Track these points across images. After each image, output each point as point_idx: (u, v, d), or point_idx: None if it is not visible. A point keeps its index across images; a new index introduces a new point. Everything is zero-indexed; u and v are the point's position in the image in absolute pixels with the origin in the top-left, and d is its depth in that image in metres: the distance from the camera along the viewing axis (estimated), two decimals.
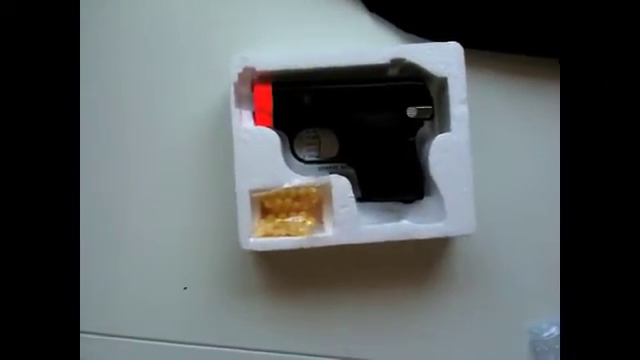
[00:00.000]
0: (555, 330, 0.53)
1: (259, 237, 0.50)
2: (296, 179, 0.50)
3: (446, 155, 0.51)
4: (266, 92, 0.51)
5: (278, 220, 0.51)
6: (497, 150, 0.55)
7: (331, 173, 0.51)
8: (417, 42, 0.54)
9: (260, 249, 0.50)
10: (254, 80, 0.51)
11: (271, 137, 0.50)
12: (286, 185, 0.50)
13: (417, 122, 0.51)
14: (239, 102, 0.51)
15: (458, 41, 0.51)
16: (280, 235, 0.50)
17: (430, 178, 0.51)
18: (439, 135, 0.51)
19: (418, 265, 0.55)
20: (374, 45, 0.53)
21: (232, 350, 0.55)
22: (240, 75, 0.50)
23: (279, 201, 0.51)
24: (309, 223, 0.51)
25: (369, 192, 0.52)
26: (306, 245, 0.50)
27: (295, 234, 0.50)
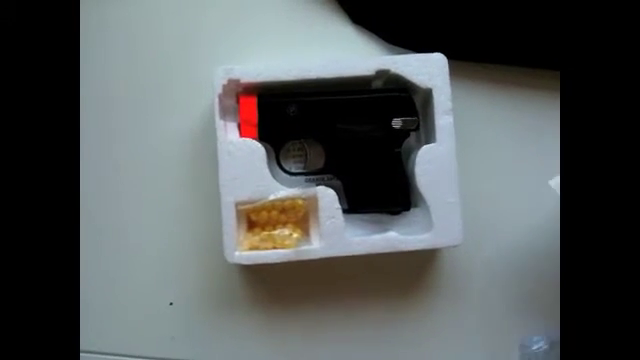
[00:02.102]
0: (544, 343, 0.53)
1: (245, 250, 0.50)
2: (282, 191, 0.50)
3: (432, 166, 0.50)
4: (251, 104, 0.50)
5: (264, 233, 0.50)
6: (484, 161, 0.55)
7: (318, 185, 0.51)
8: (401, 53, 0.53)
9: (246, 263, 0.50)
10: (239, 92, 0.51)
11: (256, 149, 0.50)
12: (272, 197, 0.50)
13: (403, 133, 0.51)
14: (224, 114, 0.51)
15: (442, 52, 0.51)
16: (266, 248, 0.50)
17: (416, 189, 0.51)
18: (424, 146, 0.51)
19: (405, 277, 0.55)
20: (359, 56, 0.53)
21: None
22: (224, 87, 0.50)
23: (265, 214, 0.50)
24: (296, 235, 0.50)
25: (356, 204, 0.51)
26: (293, 258, 0.49)
27: (282, 247, 0.50)
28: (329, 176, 0.53)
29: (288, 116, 0.51)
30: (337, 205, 0.50)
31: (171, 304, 0.54)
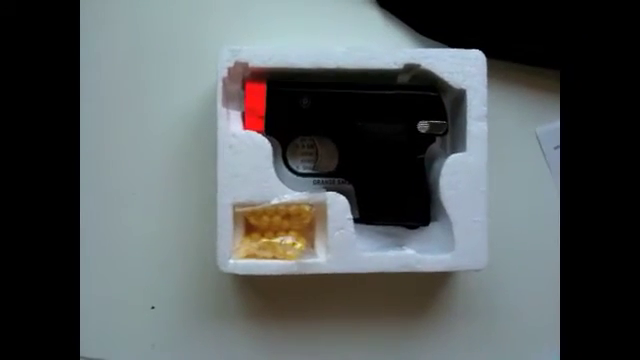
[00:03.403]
0: None
1: (241, 258, 0.46)
2: (287, 194, 0.46)
3: (459, 178, 0.47)
4: (259, 91, 0.47)
5: (264, 240, 0.46)
6: (515, 176, 0.51)
7: (327, 189, 0.48)
8: (433, 47, 0.50)
9: (241, 272, 0.46)
10: (246, 77, 0.47)
11: (261, 144, 0.46)
12: (275, 201, 0.46)
13: (428, 138, 0.48)
14: (227, 101, 0.47)
15: (480, 49, 0.47)
16: (265, 257, 0.46)
17: (439, 202, 0.47)
18: (452, 155, 0.47)
19: (418, 297, 0.52)
20: (385, 47, 0.50)
21: None
22: (230, 70, 0.46)
23: (266, 218, 0.46)
24: (299, 246, 0.46)
25: (369, 213, 0.48)
26: (295, 272, 0.46)
27: (282, 257, 0.46)
28: (340, 180, 0.49)
29: (300, 108, 0.47)
30: (348, 215, 0.46)
31: (153, 308, 0.51)
